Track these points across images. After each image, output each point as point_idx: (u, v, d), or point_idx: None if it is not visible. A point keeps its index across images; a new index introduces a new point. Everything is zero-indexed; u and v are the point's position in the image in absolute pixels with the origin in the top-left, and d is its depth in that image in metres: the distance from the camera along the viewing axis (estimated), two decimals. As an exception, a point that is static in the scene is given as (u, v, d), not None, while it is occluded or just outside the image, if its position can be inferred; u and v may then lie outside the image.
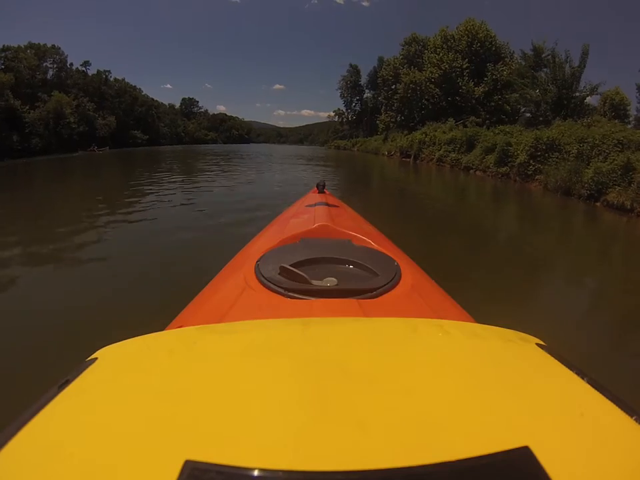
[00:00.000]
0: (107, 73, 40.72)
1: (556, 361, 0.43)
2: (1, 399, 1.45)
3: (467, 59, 24.69)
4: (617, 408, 0.34)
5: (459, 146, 16.15)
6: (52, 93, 29.52)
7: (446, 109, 24.05)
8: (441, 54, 25.45)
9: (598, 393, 0.36)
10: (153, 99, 50.14)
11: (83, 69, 38.69)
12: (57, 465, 0.27)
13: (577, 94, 14.35)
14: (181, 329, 0.66)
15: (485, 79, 24.13)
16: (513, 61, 24.23)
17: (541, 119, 14.64)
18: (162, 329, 0.70)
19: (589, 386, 0.37)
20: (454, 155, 16.19)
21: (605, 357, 2.14)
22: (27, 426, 0.32)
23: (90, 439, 0.30)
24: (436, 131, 20.06)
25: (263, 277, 0.88)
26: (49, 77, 33.50)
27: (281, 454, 0.27)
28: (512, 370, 0.42)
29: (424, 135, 20.65)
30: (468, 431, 0.30)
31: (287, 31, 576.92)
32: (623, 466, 0.28)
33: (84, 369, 0.42)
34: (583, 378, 0.39)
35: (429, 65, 26.20)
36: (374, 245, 1.20)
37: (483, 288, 3.07)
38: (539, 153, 10.16)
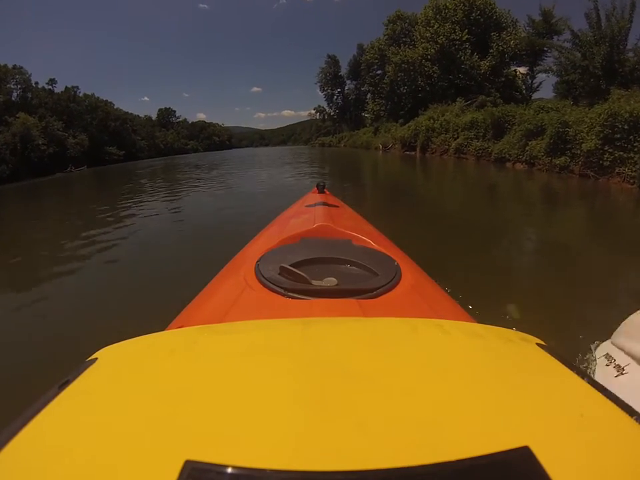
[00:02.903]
0: (75, 89, 37.93)
1: (556, 360, 0.43)
2: (2, 399, 1.46)
3: (466, 30, 21.58)
4: (617, 408, 0.33)
5: (483, 131, 12.70)
6: (17, 115, 27.19)
7: (447, 90, 21.16)
8: (435, 26, 22.34)
9: (598, 392, 0.36)
10: (126, 112, 46.85)
11: (49, 87, 35.98)
12: (58, 465, 0.27)
13: (630, 54, 11.05)
14: (182, 329, 0.65)
15: (491, 50, 21.12)
16: (516, 30, 21.42)
17: (580, 90, 11.54)
18: (162, 329, 0.69)
19: (589, 386, 0.37)
20: (479, 144, 12.69)
21: None
22: (28, 426, 0.32)
23: (90, 439, 0.30)
24: (444, 114, 16.66)
25: (263, 276, 0.88)
26: (13, 98, 31.33)
27: (281, 454, 0.27)
28: (512, 370, 0.42)
29: (431, 121, 16.82)
30: (468, 431, 0.29)
31: (258, 32, 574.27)
32: (623, 466, 0.28)
33: (84, 369, 0.42)
34: (583, 378, 0.38)
35: (421, 41, 23.03)
36: (374, 245, 1.19)
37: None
38: (618, 135, 7.19)
